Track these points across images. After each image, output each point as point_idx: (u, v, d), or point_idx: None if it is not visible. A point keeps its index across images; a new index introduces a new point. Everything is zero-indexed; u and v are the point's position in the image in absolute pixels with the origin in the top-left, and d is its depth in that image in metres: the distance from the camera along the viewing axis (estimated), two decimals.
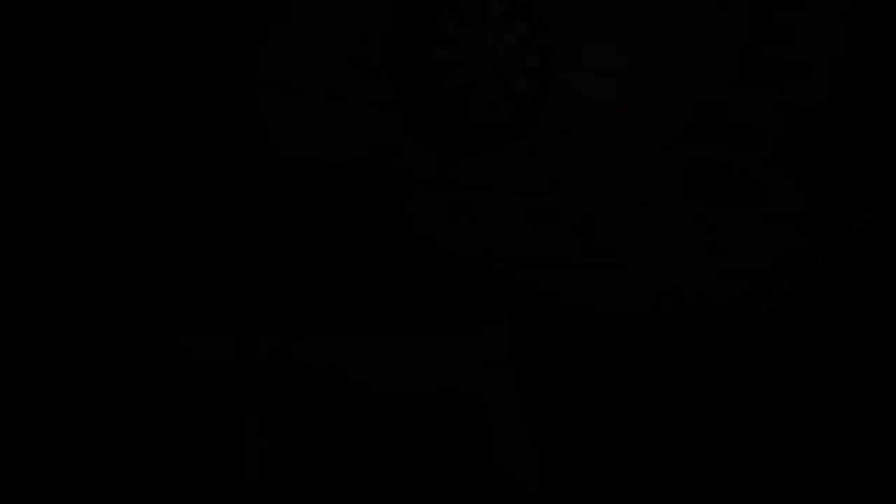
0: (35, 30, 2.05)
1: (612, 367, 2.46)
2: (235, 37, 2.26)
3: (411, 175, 2.44)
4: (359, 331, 2.23)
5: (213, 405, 1.78)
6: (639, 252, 2.77)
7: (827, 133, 3.22)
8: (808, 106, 3.17)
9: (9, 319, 1.93)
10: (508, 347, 2.15)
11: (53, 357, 1.70)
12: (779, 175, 3.10)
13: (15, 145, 1.99)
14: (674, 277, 2.79)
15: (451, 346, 2.08)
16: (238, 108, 2.25)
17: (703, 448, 2.51)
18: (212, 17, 2.24)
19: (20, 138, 2.00)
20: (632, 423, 2.44)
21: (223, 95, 2.23)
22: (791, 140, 3.14)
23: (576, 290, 2.64)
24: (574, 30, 2.76)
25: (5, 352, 1.61)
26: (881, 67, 3.35)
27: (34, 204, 2.00)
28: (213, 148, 2.20)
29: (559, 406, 2.34)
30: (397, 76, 2.46)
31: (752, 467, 2.59)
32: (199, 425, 1.74)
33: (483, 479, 1.94)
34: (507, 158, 2.58)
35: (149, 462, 1.65)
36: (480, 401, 2.01)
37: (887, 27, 3.41)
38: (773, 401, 2.70)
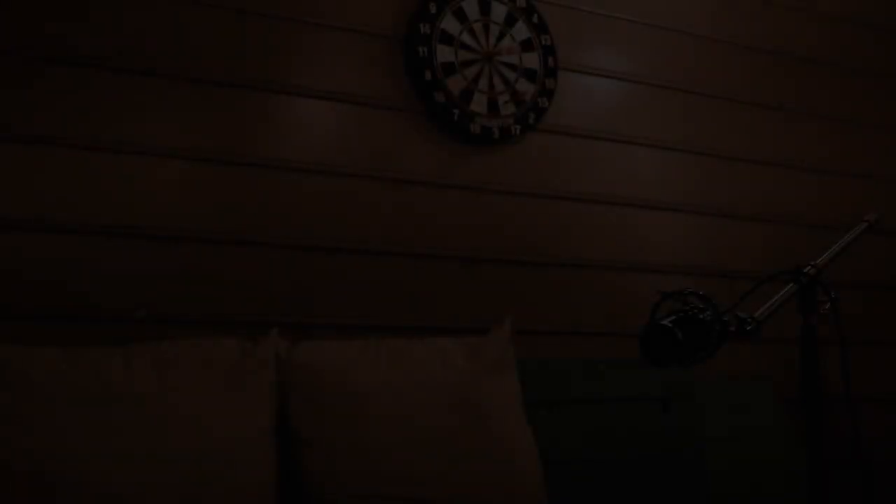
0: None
1: (614, 367, 2.46)
2: (244, 41, 2.27)
3: (413, 176, 2.44)
4: (361, 332, 2.24)
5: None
6: (641, 252, 2.77)
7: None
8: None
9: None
10: (510, 348, 2.15)
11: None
12: (776, 173, 3.10)
13: None
14: (676, 277, 2.79)
15: (452, 347, 2.08)
16: (243, 109, 2.25)
17: (704, 447, 2.50)
18: (228, 25, 2.25)
19: None
20: (635, 423, 2.44)
21: (228, 96, 2.24)
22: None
23: (577, 289, 2.64)
24: (575, 31, 2.76)
25: None
26: None
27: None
28: (217, 147, 2.20)
29: (561, 407, 2.34)
30: (400, 78, 2.47)
31: (753, 467, 2.59)
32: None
33: (484, 476, 1.94)
34: (509, 159, 2.58)
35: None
36: (482, 401, 2.01)
37: None
38: (776, 401, 2.70)
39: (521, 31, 2.61)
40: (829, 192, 3.16)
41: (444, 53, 2.49)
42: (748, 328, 1.23)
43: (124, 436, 1.66)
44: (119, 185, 2.09)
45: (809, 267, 1.35)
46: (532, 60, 2.62)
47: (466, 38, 2.53)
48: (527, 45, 2.62)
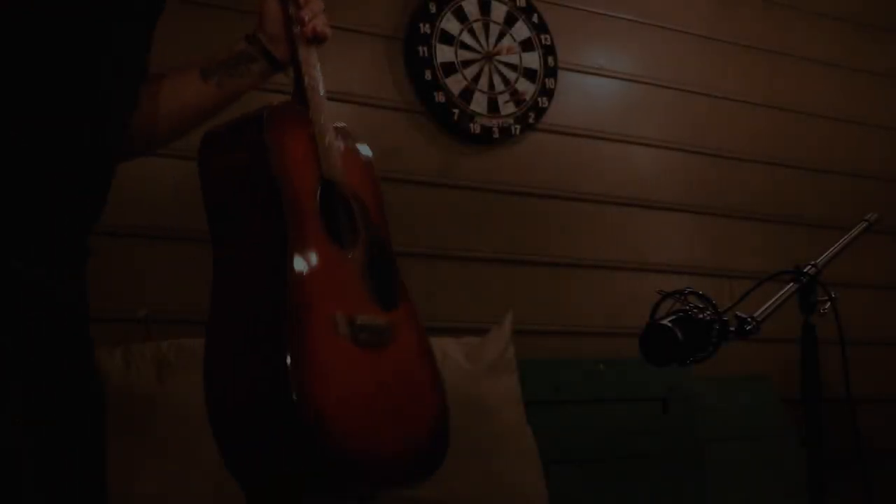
0: None
1: (614, 367, 2.46)
2: None
3: (413, 176, 2.44)
4: None
5: None
6: (641, 252, 2.77)
7: None
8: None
9: None
10: (510, 348, 2.15)
11: None
12: (776, 173, 3.10)
13: None
14: (676, 277, 2.79)
15: (452, 347, 2.08)
16: (242, 108, 2.25)
17: (704, 447, 2.50)
18: (228, 25, 2.25)
19: None
20: (635, 423, 2.44)
21: None
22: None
23: (577, 289, 2.64)
24: (575, 31, 2.76)
25: None
26: None
27: None
28: None
29: (561, 407, 2.33)
30: (400, 78, 2.46)
31: (753, 467, 2.59)
32: None
33: (484, 476, 1.94)
34: (509, 159, 2.58)
35: None
36: (482, 400, 2.01)
37: None
38: (775, 401, 2.70)
39: (521, 30, 2.61)
40: (829, 191, 3.16)
41: (444, 53, 2.49)
42: (748, 328, 1.23)
43: (124, 437, 1.66)
44: (119, 184, 2.09)
45: (809, 266, 1.35)
46: (532, 60, 2.62)
47: (466, 37, 2.53)
48: (527, 45, 2.62)
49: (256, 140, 1.19)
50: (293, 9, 1.28)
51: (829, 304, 1.32)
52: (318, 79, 1.29)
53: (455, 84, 2.49)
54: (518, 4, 2.62)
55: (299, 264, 1.17)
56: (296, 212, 1.20)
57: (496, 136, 2.53)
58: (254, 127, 1.21)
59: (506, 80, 2.57)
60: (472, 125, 2.50)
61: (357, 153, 1.36)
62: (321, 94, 1.28)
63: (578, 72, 2.75)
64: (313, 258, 1.19)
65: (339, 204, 1.25)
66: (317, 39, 1.31)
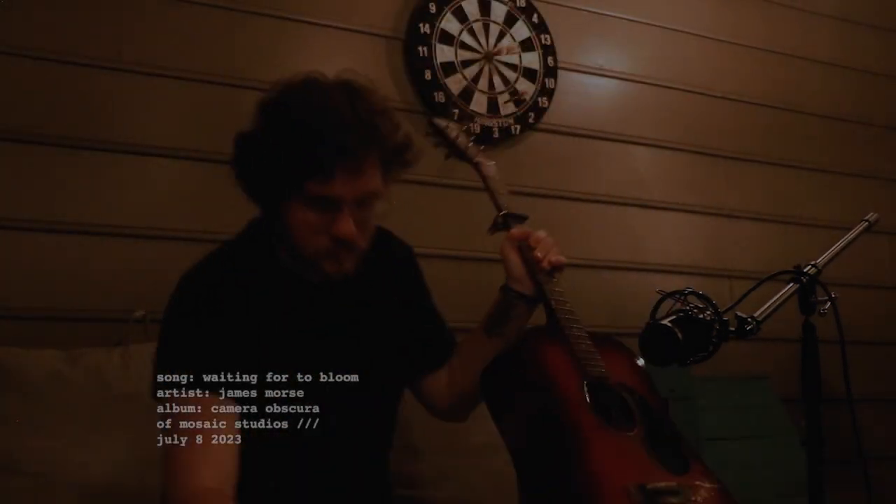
0: None
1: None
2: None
3: (413, 176, 2.43)
4: None
5: None
6: (641, 252, 2.77)
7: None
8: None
9: None
10: None
11: None
12: (777, 173, 3.10)
13: None
14: (676, 277, 2.79)
15: None
16: (243, 109, 2.25)
17: (704, 447, 2.50)
18: (229, 25, 2.25)
19: None
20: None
21: (229, 96, 2.24)
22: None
23: (577, 289, 2.64)
24: (575, 31, 2.76)
25: None
26: None
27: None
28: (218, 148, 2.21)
29: None
30: (400, 77, 2.46)
31: (753, 467, 2.59)
32: None
33: (485, 476, 1.94)
34: (509, 158, 2.58)
35: None
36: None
37: None
38: (776, 401, 2.69)
39: (521, 30, 2.61)
40: (830, 191, 3.15)
41: (443, 53, 2.49)
42: (748, 328, 1.23)
43: (124, 436, 1.66)
44: (118, 185, 2.09)
45: (809, 266, 1.35)
46: (532, 60, 2.62)
47: (466, 37, 2.53)
48: (527, 45, 2.62)
49: (515, 358, 1.40)
50: (528, 253, 1.55)
51: (829, 304, 1.32)
52: (563, 299, 1.48)
53: (455, 84, 2.49)
54: (518, 4, 2.62)
55: (580, 451, 1.25)
56: (566, 407, 1.31)
57: (496, 136, 2.53)
58: (511, 350, 1.42)
59: (506, 80, 2.57)
60: (471, 125, 2.50)
61: (618, 350, 1.50)
62: (568, 307, 1.46)
63: (578, 72, 2.75)
64: (592, 442, 1.27)
65: (607, 395, 1.36)
66: (555, 269, 1.54)
